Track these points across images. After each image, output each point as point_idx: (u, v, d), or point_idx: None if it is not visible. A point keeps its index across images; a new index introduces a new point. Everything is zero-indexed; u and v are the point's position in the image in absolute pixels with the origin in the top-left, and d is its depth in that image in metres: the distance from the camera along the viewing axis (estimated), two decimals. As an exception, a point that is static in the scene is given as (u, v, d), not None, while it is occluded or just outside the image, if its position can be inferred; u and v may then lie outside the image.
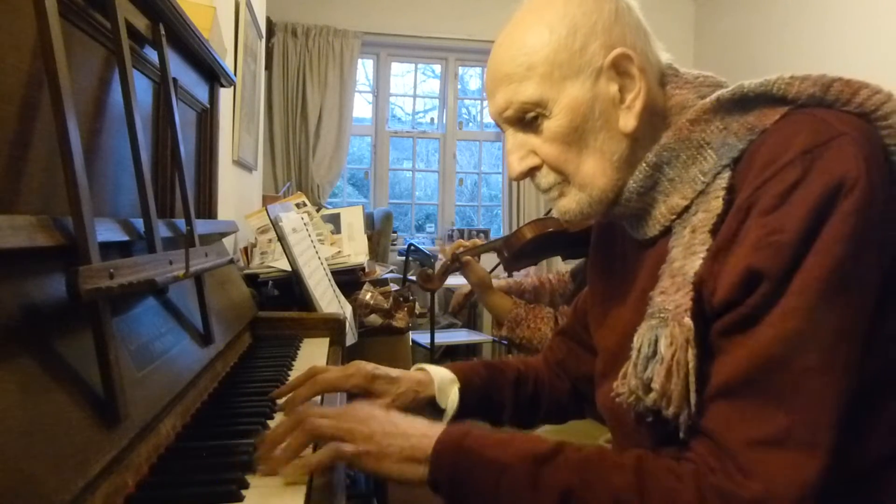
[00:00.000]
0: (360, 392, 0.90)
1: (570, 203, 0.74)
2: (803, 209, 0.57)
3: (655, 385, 0.63)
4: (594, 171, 0.71)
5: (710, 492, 0.57)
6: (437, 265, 1.90)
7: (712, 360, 0.63)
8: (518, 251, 1.71)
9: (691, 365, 0.62)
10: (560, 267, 4.47)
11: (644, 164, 0.71)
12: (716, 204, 0.65)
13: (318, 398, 0.89)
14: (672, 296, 0.64)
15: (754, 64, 4.05)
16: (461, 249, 1.79)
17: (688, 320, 0.62)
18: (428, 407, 0.93)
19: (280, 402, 0.88)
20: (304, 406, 0.74)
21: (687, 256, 0.65)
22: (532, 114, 0.71)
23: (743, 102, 0.67)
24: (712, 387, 0.61)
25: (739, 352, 0.59)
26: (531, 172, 0.75)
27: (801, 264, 0.57)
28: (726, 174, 0.66)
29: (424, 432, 0.69)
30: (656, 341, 0.64)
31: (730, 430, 0.59)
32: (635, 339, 0.67)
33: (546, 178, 0.74)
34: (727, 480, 0.57)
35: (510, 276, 2.70)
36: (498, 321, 1.72)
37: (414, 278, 3.49)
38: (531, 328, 1.60)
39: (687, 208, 0.69)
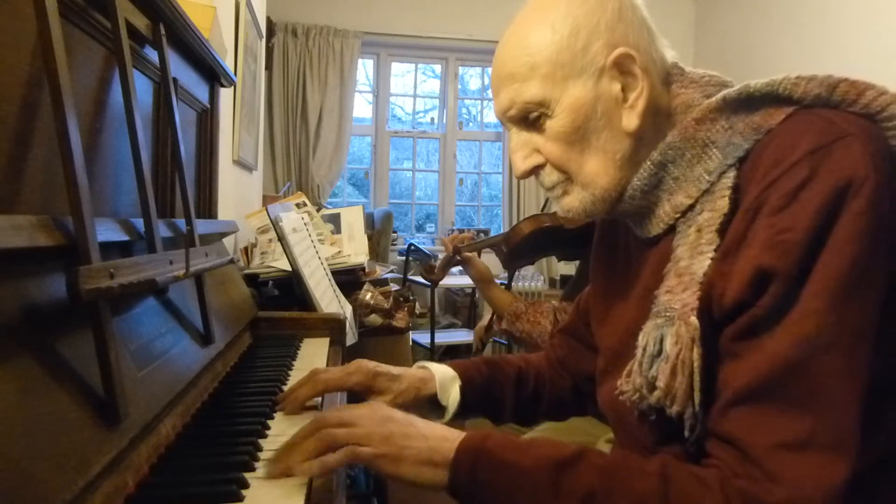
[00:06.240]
0: (362, 390, 0.90)
1: (573, 201, 0.74)
2: (812, 208, 0.57)
3: (660, 383, 0.64)
4: (597, 170, 0.71)
5: (736, 496, 0.56)
6: (440, 258, 1.92)
7: (720, 362, 0.63)
8: (516, 247, 1.72)
9: (696, 364, 0.62)
10: (559, 268, 4.47)
11: (649, 163, 0.71)
12: (722, 203, 0.65)
13: (319, 399, 0.89)
14: (679, 295, 0.64)
15: (754, 63, 4.05)
16: (459, 241, 1.81)
17: (694, 319, 0.62)
18: (429, 404, 0.94)
19: (281, 404, 0.87)
20: (323, 412, 0.72)
21: (694, 256, 0.65)
22: (535, 113, 0.71)
23: (749, 102, 0.67)
24: (730, 393, 0.60)
25: (757, 356, 0.59)
26: (535, 171, 0.75)
27: (815, 264, 0.57)
28: (731, 174, 0.66)
29: (444, 436, 0.67)
30: (662, 340, 0.64)
31: (752, 436, 0.58)
32: (640, 337, 0.67)
33: (550, 176, 0.74)
34: (753, 485, 0.56)
35: (510, 274, 2.70)
36: (498, 315, 1.73)
37: (414, 278, 3.50)
38: (531, 322, 1.60)
39: (691, 207, 0.69)
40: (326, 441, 0.67)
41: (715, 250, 0.63)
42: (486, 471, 0.64)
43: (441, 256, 1.92)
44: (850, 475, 0.54)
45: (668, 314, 0.64)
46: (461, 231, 4.45)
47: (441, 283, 2.11)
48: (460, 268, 1.86)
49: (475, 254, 1.84)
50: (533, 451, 0.65)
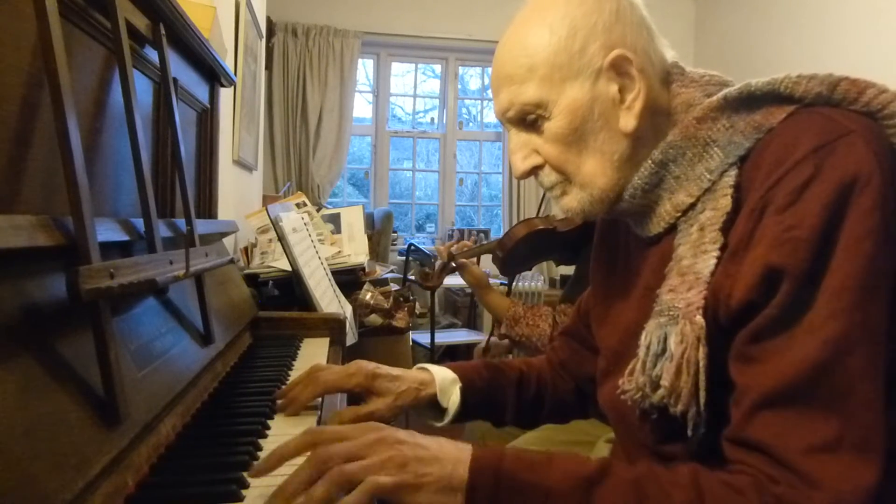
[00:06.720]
0: (362, 391, 0.89)
1: (571, 202, 0.74)
2: (818, 205, 0.57)
3: (664, 382, 0.63)
4: (595, 170, 0.72)
5: (775, 503, 0.56)
6: (437, 265, 1.91)
7: (732, 365, 0.62)
8: (511, 251, 1.72)
9: (702, 363, 0.62)
10: (559, 268, 4.47)
11: (649, 161, 0.71)
12: (724, 202, 0.64)
13: (319, 399, 0.89)
14: (683, 294, 0.64)
15: (754, 63, 4.05)
16: (455, 249, 1.81)
17: (699, 318, 0.62)
18: (428, 406, 0.93)
19: (280, 402, 0.87)
20: (322, 447, 0.61)
21: (697, 255, 0.65)
22: (533, 115, 0.72)
23: (750, 101, 0.67)
24: (752, 398, 0.59)
25: (779, 359, 0.58)
26: (534, 171, 0.75)
27: (830, 263, 0.56)
28: (733, 172, 0.66)
29: (458, 457, 0.62)
30: (665, 339, 0.64)
31: (783, 440, 0.56)
32: (643, 336, 0.67)
33: (548, 177, 0.74)
34: (791, 490, 0.55)
35: (510, 280, 2.71)
36: (497, 320, 1.73)
37: (414, 278, 3.50)
38: (530, 325, 1.60)
39: (693, 206, 0.69)
40: (339, 482, 0.58)
41: (719, 249, 0.63)
42: (509, 492, 0.60)
43: (440, 260, 1.92)
44: (881, 474, 0.54)
45: (671, 313, 0.64)
46: (461, 232, 4.46)
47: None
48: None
49: (472, 259, 1.84)
50: (555, 469, 0.61)
